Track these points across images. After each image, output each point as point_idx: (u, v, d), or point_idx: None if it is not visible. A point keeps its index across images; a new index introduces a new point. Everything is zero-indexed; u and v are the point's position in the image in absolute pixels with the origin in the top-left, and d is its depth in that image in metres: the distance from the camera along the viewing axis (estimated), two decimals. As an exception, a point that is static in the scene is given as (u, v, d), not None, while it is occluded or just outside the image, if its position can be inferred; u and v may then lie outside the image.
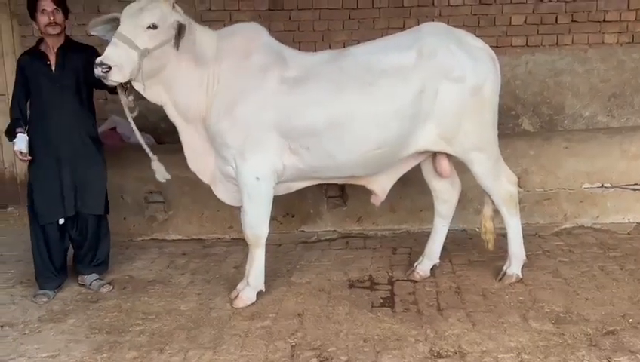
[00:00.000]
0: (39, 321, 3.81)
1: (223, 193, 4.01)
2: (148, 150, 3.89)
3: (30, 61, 4.13)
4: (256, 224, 3.88)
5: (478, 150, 3.90)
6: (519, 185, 5.20)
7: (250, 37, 3.81)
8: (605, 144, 5.26)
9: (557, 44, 6.05)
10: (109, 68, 3.37)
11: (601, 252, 4.64)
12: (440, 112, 3.75)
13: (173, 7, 3.52)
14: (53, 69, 4.10)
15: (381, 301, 3.94)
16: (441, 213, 4.29)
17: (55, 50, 4.10)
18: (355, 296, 4.02)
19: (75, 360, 3.30)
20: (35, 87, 4.11)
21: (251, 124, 3.66)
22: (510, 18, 6.03)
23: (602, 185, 5.26)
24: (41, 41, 4.16)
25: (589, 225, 5.24)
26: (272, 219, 5.32)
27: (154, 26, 3.44)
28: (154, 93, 3.66)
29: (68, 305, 4.04)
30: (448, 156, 4.02)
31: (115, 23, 3.50)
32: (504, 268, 4.17)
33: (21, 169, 6.43)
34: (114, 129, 5.90)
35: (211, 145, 3.82)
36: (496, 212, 4.16)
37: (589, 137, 5.38)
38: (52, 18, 3.99)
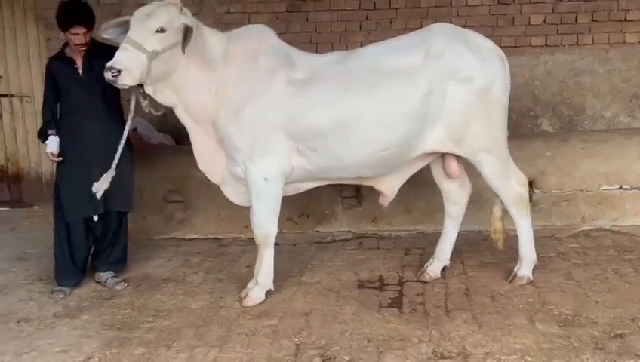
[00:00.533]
0: (54, 317, 3.92)
1: (233, 193, 4.08)
2: (115, 161, 3.98)
3: (58, 66, 4.26)
4: (265, 224, 3.94)
5: (487, 151, 3.89)
6: (536, 187, 5.22)
7: (259, 39, 3.85)
8: (623, 145, 5.20)
9: (577, 43, 5.98)
10: (119, 72, 3.46)
11: (617, 254, 4.59)
12: (448, 113, 3.76)
13: (181, 10, 3.59)
14: (80, 72, 4.22)
15: (389, 301, 3.96)
16: (452, 214, 4.29)
17: (81, 54, 4.21)
18: (364, 296, 4.04)
19: (85, 355, 3.38)
20: (63, 90, 4.24)
21: (259, 126, 3.72)
22: (529, 18, 5.98)
23: (621, 187, 5.19)
24: (66, 44, 4.28)
25: (608, 228, 5.17)
26: (288, 219, 5.44)
27: (162, 30, 3.52)
28: (164, 96, 3.75)
29: (83, 302, 4.15)
30: (457, 157, 4.02)
31: (126, 26, 3.59)
32: (515, 269, 4.15)
33: (46, 168, 6.62)
34: (135, 130, 6.00)
35: (221, 146, 3.89)
36: (507, 212, 4.14)
37: (607, 138, 5.31)
38: (83, 40, 4.11)
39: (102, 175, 4.18)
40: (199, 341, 3.50)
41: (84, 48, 4.16)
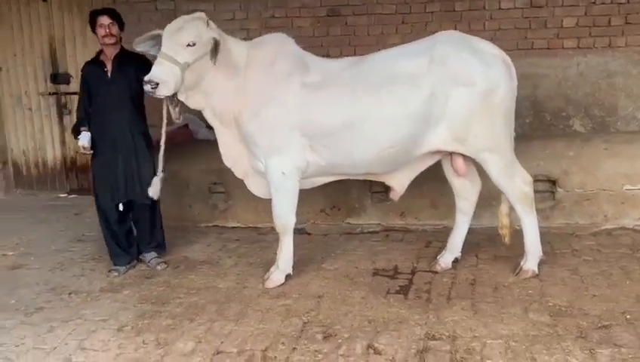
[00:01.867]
0: (100, 291, 4.45)
1: (255, 187, 4.51)
2: (161, 165, 4.47)
3: (90, 68, 4.79)
4: (284, 214, 4.32)
5: (490, 151, 4.13)
6: (559, 185, 5.38)
7: (277, 46, 4.25)
8: (645, 146, 5.29)
9: (610, 45, 6.02)
10: (157, 84, 3.90)
11: (630, 253, 4.72)
12: (451, 115, 4.03)
13: (208, 24, 4.02)
14: (109, 74, 4.72)
15: (397, 288, 4.27)
16: (462, 209, 4.55)
17: (111, 58, 4.72)
18: (375, 283, 4.37)
19: (120, 323, 3.88)
20: (93, 90, 4.74)
21: (276, 125, 4.11)
22: (562, 20, 6.06)
23: (644, 188, 5.29)
24: (100, 52, 4.81)
25: (630, 227, 5.28)
26: (321, 211, 5.83)
27: (192, 44, 3.95)
28: (194, 101, 4.21)
29: (126, 279, 4.68)
30: (465, 156, 4.27)
31: (158, 39, 4.05)
32: (521, 263, 4.36)
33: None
34: (186, 126, 6.52)
35: (244, 144, 4.31)
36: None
37: (629, 139, 5.41)
38: (108, 30, 4.63)
39: (127, 167, 4.70)
40: (219, 316, 3.94)
41: (111, 42, 4.65)
